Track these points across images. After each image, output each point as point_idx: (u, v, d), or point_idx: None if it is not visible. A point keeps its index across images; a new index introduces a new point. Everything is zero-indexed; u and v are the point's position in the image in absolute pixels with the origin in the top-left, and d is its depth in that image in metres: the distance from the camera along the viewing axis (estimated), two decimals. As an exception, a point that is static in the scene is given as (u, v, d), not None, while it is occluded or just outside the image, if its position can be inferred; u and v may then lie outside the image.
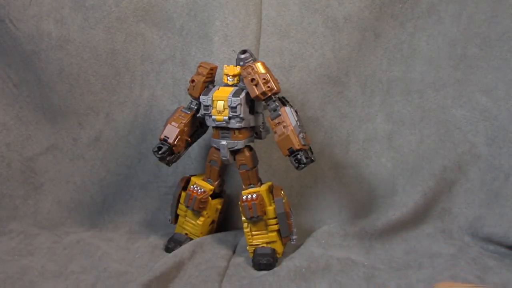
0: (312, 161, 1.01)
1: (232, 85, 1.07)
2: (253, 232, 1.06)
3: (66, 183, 1.27)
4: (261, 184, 1.09)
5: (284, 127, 1.01)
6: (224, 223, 1.24)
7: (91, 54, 1.22)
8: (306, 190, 1.28)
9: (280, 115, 1.02)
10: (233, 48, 1.20)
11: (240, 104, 1.03)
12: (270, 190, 1.08)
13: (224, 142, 1.07)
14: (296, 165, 1.00)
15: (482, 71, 1.20)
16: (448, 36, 1.22)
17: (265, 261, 1.03)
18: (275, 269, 1.01)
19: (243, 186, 1.09)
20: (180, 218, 1.16)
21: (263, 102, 1.04)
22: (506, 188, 1.15)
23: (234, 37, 1.21)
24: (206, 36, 1.23)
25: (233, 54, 1.18)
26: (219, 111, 1.04)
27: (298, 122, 1.02)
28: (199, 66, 1.10)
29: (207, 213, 1.13)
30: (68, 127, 1.27)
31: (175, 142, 1.07)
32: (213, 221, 1.18)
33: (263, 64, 1.04)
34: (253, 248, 1.06)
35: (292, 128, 1.00)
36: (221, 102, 1.04)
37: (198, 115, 1.12)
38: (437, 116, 1.23)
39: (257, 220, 1.04)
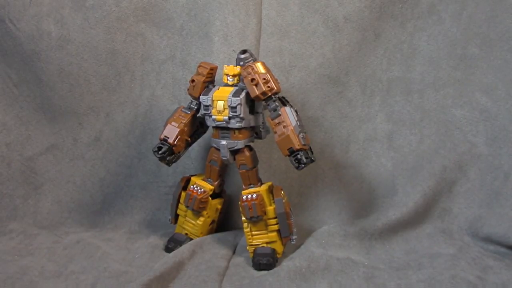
0: (312, 161, 1.01)
1: (232, 85, 1.07)
2: (253, 232, 1.06)
3: (66, 183, 1.27)
4: (261, 184, 1.09)
5: (284, 127, 1.01)
6: (224, 223, 1.24)
7: (91, 54, 1.22)
8: (306, 190, 1.28)
9: (280, 115, 1.02)
10: (233, 48, 1.20)
11: (240, 104, 1.03)
12: (270, 190, 1.08)
13: (224, 142, 1.07)
14: (296, 165, 1.00)
15: (482, 71, 1.21)
16: (448, 36, 1.22)
17: (265, 261, 1.03)
18: (275, 269, 1.01)
19: (243, 186, 1.09)
20: (180, 218, 1.15)
21: (263, 102, 1.04)
22: (506, 188, 1.15)
23: (234, 37, 1.21)
24: (206, 36, 1.23)
25: (233, 54, 1.18)
26: (219, 111, 1.04)
27: (298, 122, 1.02)
28: (199, 66, 1.10)
29: (207, 213, 1.13)
30: (68, 127, 1.27)
31: (175, 142, 1.07)
32: (213, 221, 1.17)
33: (263, 64, 1.04)
34: (253, 248, 1.06)
35: (292, 128, 1.00)
36: (221, 102, 1.04)
37: (198, 115, 1.12)
38: (437, 116, 1.23)
39: (257, 220, 1.04)
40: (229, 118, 1.04)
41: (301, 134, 1.01)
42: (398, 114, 1.26)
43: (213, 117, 1.05)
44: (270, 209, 1.05)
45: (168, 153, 1.07)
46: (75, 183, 1.28)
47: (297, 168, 1.00)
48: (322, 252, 1.06)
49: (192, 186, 1.12)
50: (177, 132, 1.07)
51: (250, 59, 1.07)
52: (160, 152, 1.07)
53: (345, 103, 1.26)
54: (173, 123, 1.08)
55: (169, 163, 1.09)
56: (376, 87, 1.26)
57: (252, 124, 1.08)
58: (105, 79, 1.24)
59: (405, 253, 1.09)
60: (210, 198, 1.13)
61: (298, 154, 0.99)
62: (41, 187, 1.27)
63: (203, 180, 1.13)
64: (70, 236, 1.17)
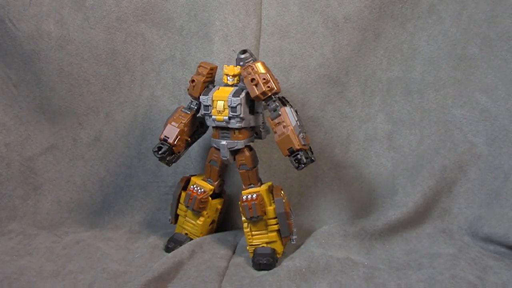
0: (312, 161, 1.01)
1: (232, 85, 1.07)
2: (253, 232, 1.06)
3: (66, 183, 1.27)
4: (261, 184, 1.09)
5: (284, 127, 1.01)
6: (224, 223, 1.24)
7: (91, 54, 1.22)
8: (306, 190, 1.28)
9: (280, 115, 1.02)
10: (233, 48, 1.20)
11: (240, 104, 1.03)
12: (270, 190, 1.08)
13: (224, 142, 1.07)
14: (296, 165, 1.00)
15: (482, 71, 1.21)
16: (448, 36, 1.22)
17: (265, 261, 1.03)
18: (275, 269, 1.01)
19: (243, 186, 1.09)
20: (180, 218, 1.15)
21: (263, 102, 1.04)
22: (506, 188, 1.15)
23: (234, 37, 1.21)
24: (206, 36, 1.23)
25: (233, 54, 1.18)
26: (219, 111, 1.04)
27: (298, 122, 1.02)
28: (199, 66, 1.10)
29: (207, 213, 1.13)
30: (68, 127, 1.27)
31: (175, 142, 1.07)
32: (213, 221, 1.17)
33: (263, 64, 1.04)
34: (253, 248, 1.06)
35: (292, 128, 1.00)
36: (221, 102, 1.04)
37: (198, 115, 1.12)
38: (437, 116, 1.23)
39: (257, 220, 1.04)
40: (229, 118, 1.04)
41: (301, 134, 1.01)
42: (398, 114, 1.26)
43: (213, 117, 1.05)
44: (270, 209, 1.05)
45: (168, 153, 1.07)
46: (75, 183, 1.27)
47: (297, 168, 1.00)
48: (322, 252, 1.06)
49: (192, 186, 1.12)
50: (177, 132, 1.07)
51: (250, 59, 1.07)
52: (160, 152, 1.07)
53: (345, 103, 1.26)
54: (173, 123, 1.08)
55: (169, 163, 1.09)
56: (376, 87, 1.26)
57: (252, 124, 1.08)
58: (105, 79, 1.24)
59: (405, 253, 1.09)
60: (210, 198, 1.13)
61: (298, 154, 0.99)
62: (40, 187, 1.26)
63: (203, 180, 1.13)
64: (69, 236, 1.17)
